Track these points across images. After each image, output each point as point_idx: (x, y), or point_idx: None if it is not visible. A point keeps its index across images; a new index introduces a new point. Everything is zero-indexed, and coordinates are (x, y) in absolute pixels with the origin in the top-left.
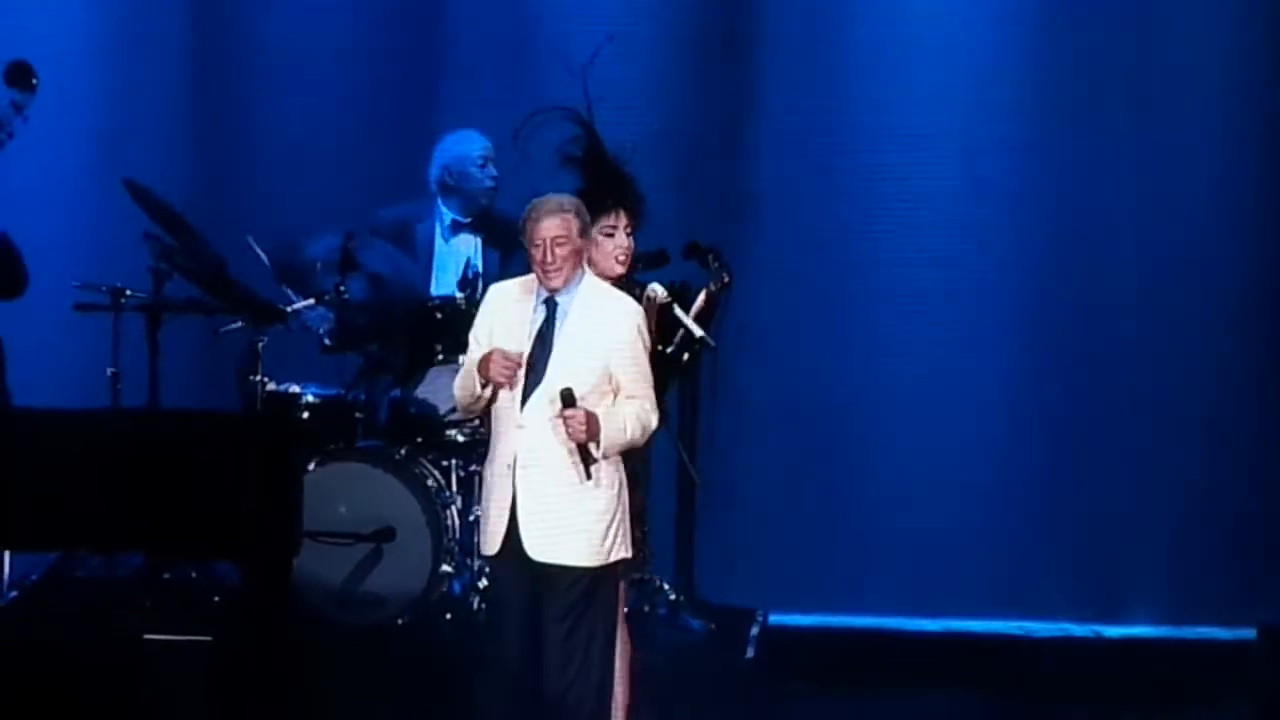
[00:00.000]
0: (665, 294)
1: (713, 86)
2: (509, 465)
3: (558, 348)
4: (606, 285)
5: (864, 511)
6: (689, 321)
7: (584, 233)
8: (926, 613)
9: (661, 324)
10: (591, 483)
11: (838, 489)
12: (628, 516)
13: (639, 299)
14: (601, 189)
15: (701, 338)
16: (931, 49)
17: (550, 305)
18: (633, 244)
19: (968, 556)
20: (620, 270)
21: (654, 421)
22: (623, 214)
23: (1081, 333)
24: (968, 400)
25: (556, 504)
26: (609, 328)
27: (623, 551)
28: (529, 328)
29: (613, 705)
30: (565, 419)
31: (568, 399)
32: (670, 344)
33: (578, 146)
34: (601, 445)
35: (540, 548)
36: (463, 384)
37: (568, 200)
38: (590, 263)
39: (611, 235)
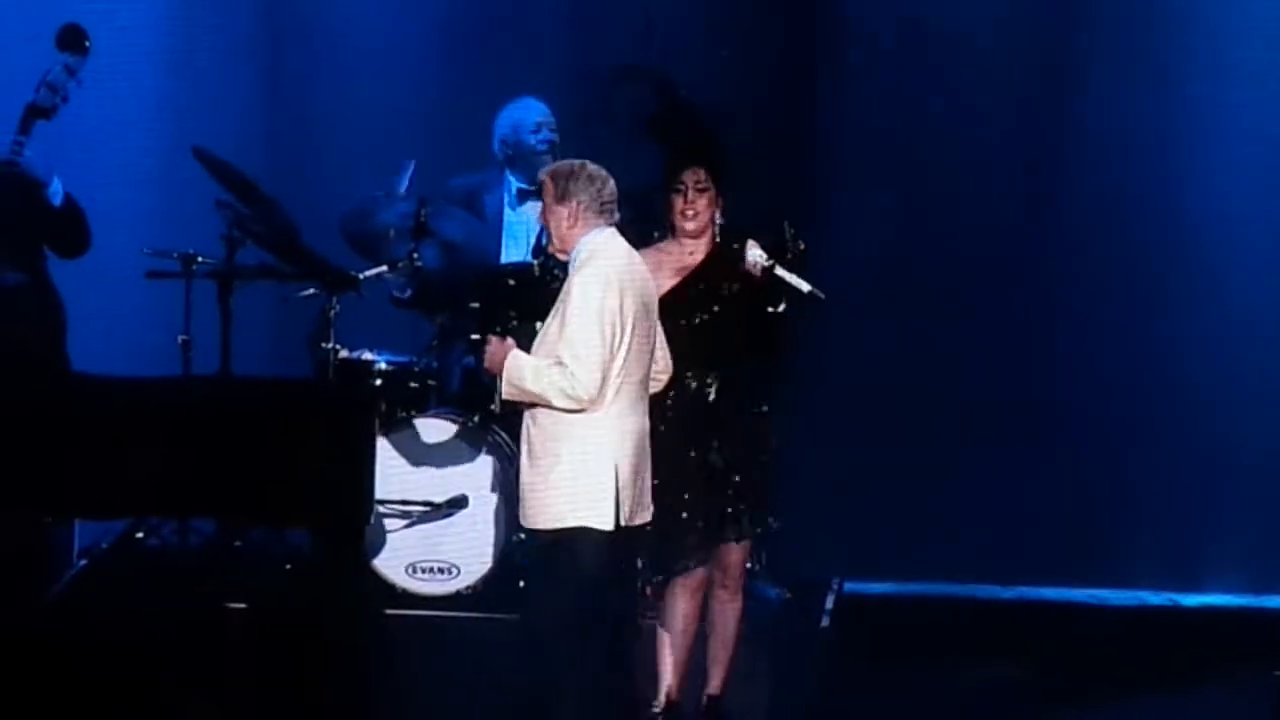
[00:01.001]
0: (765, 257)
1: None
2: None
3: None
4: (601, 250)
5: (939, 480)
6: (794, 279)
7: (563, 197)
8: (1002, 581)
9: (764, 285)
10: (536, 448)
11: (913, 458)
12: (591, 487)
13: (735, 262)
14: (671, 145)
15: (811, 292)
16: (1025, 28)
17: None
18: (703, 203)
19: (1043, 525)
20: (690, 228)
21: (576, 389)
22: (693, 171)
23: (1160, 301)
24: (1045, 368)
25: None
26: (566, 293)
27: (565, 520)
28: None
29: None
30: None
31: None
32: (779, 303)
33: (651, 104)
34: (500, 383)
35: None
36: None
37: (554, 164)
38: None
39: (680, 192)
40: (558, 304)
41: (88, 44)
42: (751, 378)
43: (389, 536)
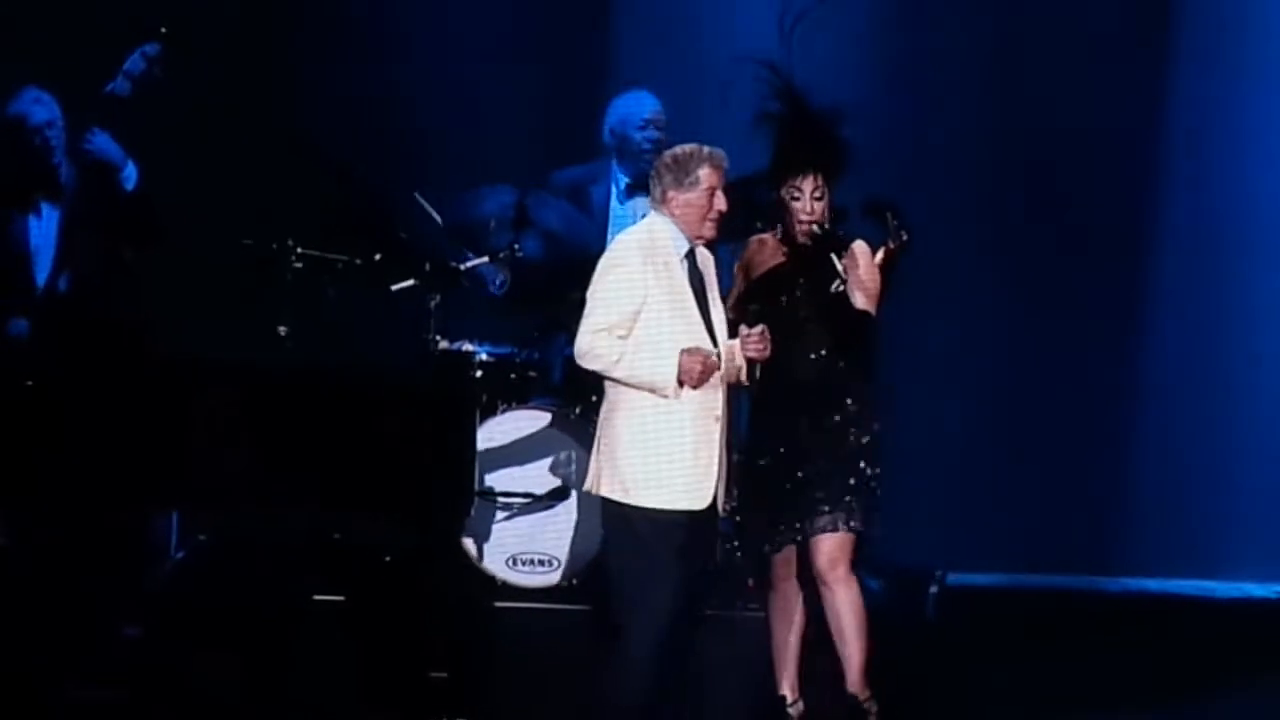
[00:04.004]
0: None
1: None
2: (717, 417)
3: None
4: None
5: (1042, 471)
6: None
7: None
8: (1105, 573)
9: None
10: None
11: (1016, 449)
12: None
13: (833, 254)
14: (794, 149)
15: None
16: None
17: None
18: (820, 209)
19: (1147, 517)
20: (801, 238)
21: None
22: (812, 178)
23: (1265, 293)
24: (1144, 359)
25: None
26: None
27: None
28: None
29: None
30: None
31: None
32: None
33: (775, 104)
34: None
35: (721, 497)
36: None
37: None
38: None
39: (797, 199)
40: (710, 285)
41: (164, 31)
42: (834, 370)
43: (490, 528)
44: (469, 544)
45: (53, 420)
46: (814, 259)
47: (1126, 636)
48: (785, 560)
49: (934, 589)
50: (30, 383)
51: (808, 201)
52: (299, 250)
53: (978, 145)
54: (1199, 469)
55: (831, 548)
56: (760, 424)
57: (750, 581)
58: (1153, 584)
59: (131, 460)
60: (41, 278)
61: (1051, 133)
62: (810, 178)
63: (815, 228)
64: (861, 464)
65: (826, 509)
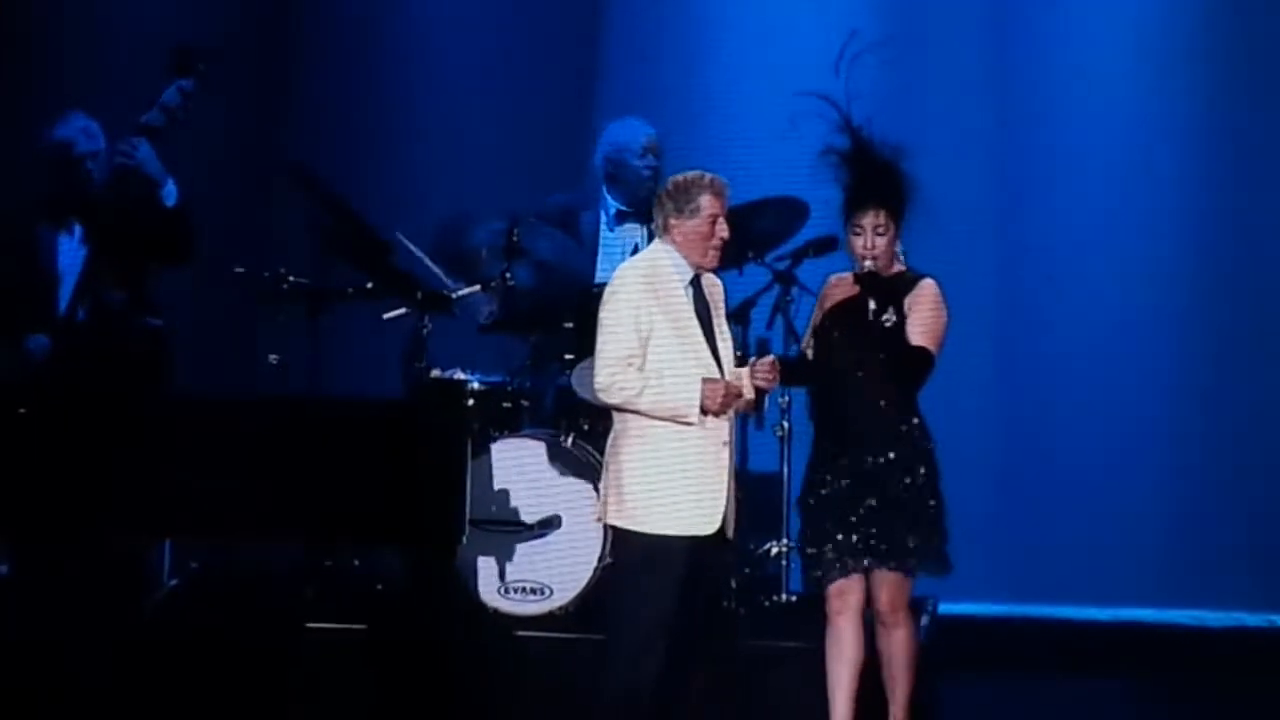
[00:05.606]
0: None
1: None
2: (725, 442)
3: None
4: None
5: (1035, 500)
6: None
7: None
8: (1098, 602)
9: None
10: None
11: (1009, 477)
12: None
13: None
14: (853, 185)
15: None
16: (1104, 32)
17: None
18: (882, 245)
19: (1140, 545)
20: (869, 270)
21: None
22: (874, 214)
23: (1258, 318)
24: (1139, 388)
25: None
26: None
27: None
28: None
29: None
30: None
31: None
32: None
33: (842, 140)
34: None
35: (730, 524)
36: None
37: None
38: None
39: (858, 234)
40: (717, 312)
41: (202, 68)
42: (891, 403)
43: (482, 557)
44: (461, 572)
45: (49, 448)
46: (876, 295)
47: (1120, 666)
48: (840, 592)
49: (925, 618)
50: (23, 410)
51: (868, 237)
52: (290, 278)
53: (973, 177)
54: (1192, 498)
55: (892, 590)
56: (820, 458)
57: (741, 610)
58: (1146, 613)
59: (123, 489)
60: (64, 303)
61: (1052, 160)
62: (870, 213)
63: (867, 263)
64: (920, 500)
65: (887, 549)
